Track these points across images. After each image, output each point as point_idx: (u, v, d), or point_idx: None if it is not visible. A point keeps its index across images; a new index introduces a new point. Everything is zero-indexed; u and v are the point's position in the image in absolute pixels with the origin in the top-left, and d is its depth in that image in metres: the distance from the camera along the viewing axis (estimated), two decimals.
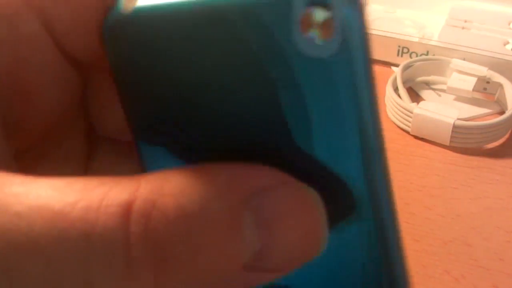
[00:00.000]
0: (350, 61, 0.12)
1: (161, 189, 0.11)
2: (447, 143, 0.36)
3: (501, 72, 0.39)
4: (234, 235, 0.11)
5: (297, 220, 0.12)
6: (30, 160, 0.14)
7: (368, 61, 0.12)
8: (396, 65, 0.43)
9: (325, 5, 0.12)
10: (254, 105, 0.13)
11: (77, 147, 0.16)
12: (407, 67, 0.41)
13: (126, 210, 0.10)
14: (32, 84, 0.13)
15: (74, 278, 0.10)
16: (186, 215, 0.10)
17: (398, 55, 0.44)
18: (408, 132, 0.38)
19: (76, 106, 0.15)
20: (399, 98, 0.38)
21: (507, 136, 0.37)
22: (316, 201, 0.12)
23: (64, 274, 0.10)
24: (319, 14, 0.12)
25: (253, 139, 0.14)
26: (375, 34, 0.44)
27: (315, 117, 0.13)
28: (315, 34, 0.12)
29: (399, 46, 0.43)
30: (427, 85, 0.42)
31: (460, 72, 0.40)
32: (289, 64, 0.12)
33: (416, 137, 0.37)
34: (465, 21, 0.45)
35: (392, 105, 0.38)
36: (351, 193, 0.13)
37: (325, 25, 0.12)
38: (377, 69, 0.46)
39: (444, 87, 0.41)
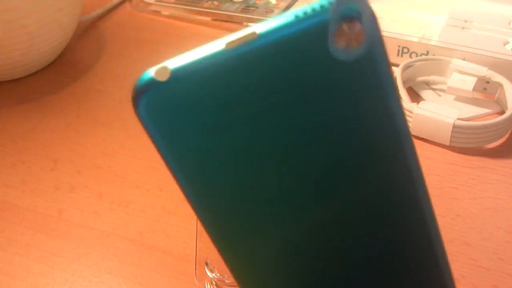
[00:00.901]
0: (376, 59, 0.15)
1: None
2: (447, 143, 0.36)
3: (501, 72, 0.39)
4: None
5: None
6: None
7: (387, 57, 0.15)
8: (396, 65, 0.43)
9: (352, 20, 0.14)
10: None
11: None
12: (407, 67, 0.41)
13: None
14: None
15: None
16: None
17: (398, 55, 0.44)
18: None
19: None
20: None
21: (507, 136, 0.37)
22: None
23: None
24: (354, 27, 0.14)
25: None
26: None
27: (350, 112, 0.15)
28: (346, 43, 0.14)
29: (399, 46, 0.43)
30: (427, 85, 0.42)
31: (460, 72, 0.40)
32: (328, 73, 0.14)
33: (416, 137, 0.37)
34: (465, 21, 0.45)
35: None
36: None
37: (357, 34, 0.14)
38: None
39: (444, 87, 0.41)
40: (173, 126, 0.14)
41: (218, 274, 0.28)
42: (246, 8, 0.52)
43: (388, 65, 0.15)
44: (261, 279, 0.18)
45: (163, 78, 0.13)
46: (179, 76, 0.13)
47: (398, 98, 0.16)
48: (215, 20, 0.52)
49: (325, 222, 0.16)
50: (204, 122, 0.14)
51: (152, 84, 0.13)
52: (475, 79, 0.39)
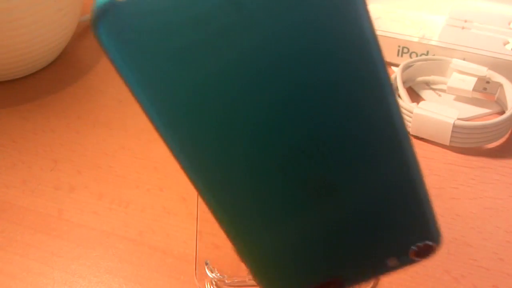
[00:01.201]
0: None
1: None
2: (447, 143, 0.36)
3: (501, 72, 0.39)
4: None
5: None
6: None
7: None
8: (396, 65, 0.43)
9: None
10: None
11: None
12: (407, 67, 0.41)
13: None
14: None
15: None
16: None
17: (398, 55, 0.44)
18: (408, 132, 0.38)
19: None
20: (399, 98, 0.38)
21: (507, 136, 0.37)
22: None
23: None
24: None
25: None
26: None
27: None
28: None
29: (399, 46, 0.43)
30: (427, 85, 0.42)
31: (460, 72, 0.40)
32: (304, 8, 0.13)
33: (416, 137, 0.37)
34: (465, 21, 0.45)
35: None
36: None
37: None
38: None
39: (444, 87, 0.41)
40: (137, 50, 0.13)
41: (218, 274, 0.28)
42: None
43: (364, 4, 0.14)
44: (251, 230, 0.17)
45: None
46: None
47: (374, 36, 0.15)
48: None
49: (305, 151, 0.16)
50: (170, 45, 0.12)
51: (111, 5, 0.12)
52: (475, 79, 0.39)
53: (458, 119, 0.35)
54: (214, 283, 0.28)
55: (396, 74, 0.40)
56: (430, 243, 0.18)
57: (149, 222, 0.32)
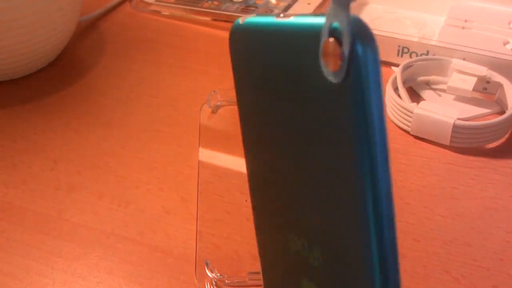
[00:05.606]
0: (359, 88, 0.13)
1: None
2: (447, 143, 0.36)
3: (501, 72, 0.39)
4: None
5: None
6: None
7: (377, 88, 0.13)
8: (396, 65, 0.43)
9: (334, 38, 0.13)
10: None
11: None
12: (407, 67, 0.41)
13: None
14: None
15: None
16: None
17: (398, 55, 0.44)
18: (408, 132, 0.38)
19: None
20: (399, 98, 0.38)
21: (507, 136, 0.37)
22: None
23: None
24: (331, 46, 0.13)
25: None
26: (375, 34, 0.44)
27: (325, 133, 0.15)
28: (328, 61, 0.13)
29: (399, 46, 0.43)
30: (427, 85, 0.42)
31: (460, 72, 0.40)
32: (312, 85, 0.15)
33: (416, 137, 0.37)
34: (465, 21, 0.45)
35: (392, 105, 0.38)
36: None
37: (335, 56, 0.13)
38: None
39: (444, 87, 0.41)
40: (244, 57, 0.19)
41: (218, 274, 0.28)
42: (246, 8, 0.52)
43: (371, 101, 0.13)
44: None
45: (242, 22, 0.18)
46: (248, 23, 0.18)
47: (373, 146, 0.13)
48: (215, 20, 0.52)
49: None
50: (256, 66, 0.18)
51: (235, 25, 0.19)
52: (475, 79, 0.39)
53: (458, 119, 0.35)
54: (214, 283, 0.28)
55: (396, 74, 0.40)
56: None
57: (149, 222, 0.32)
